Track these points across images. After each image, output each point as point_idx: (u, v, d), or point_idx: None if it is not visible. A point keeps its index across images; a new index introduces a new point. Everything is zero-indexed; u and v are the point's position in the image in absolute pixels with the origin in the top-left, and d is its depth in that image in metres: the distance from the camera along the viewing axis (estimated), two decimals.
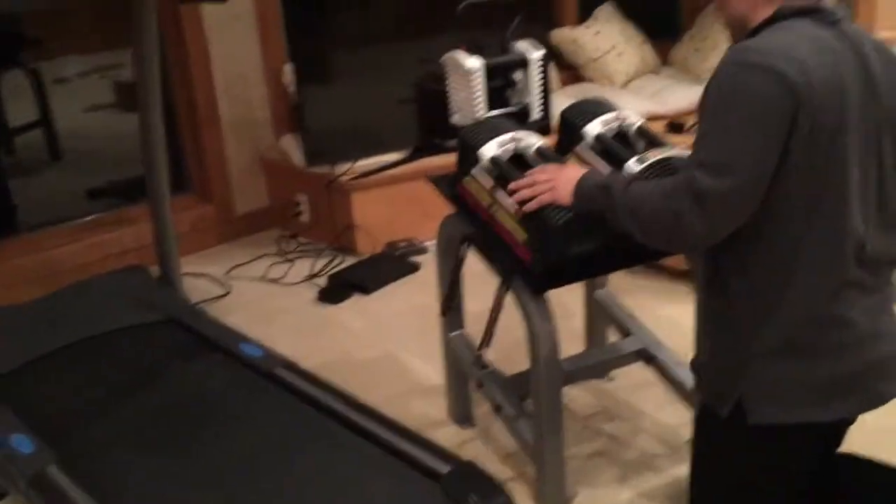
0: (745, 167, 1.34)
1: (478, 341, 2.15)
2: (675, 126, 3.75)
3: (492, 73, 2.13)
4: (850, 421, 1.57)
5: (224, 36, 3.58)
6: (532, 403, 2.00)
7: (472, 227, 2.03)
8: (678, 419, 2.31)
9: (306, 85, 3.46)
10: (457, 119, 2.20)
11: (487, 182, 1.92)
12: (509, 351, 2.28)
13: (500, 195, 1.87)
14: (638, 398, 2.47)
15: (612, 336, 2.51)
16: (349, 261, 3.50)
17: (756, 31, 1.42)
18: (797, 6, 1.40)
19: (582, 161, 1.97)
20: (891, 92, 1.42)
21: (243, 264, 3.54)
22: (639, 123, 1.99)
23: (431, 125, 2.40)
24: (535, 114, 2.21)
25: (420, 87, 2.76)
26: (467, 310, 2.33)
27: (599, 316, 2.51)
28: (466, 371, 2.29)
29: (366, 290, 3.27)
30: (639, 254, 1.80)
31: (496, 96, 2.16)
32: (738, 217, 1.39)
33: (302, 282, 3.39)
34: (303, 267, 3.49)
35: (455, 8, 2.16)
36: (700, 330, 1.63)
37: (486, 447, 2.32)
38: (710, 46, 4.27)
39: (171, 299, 2.76)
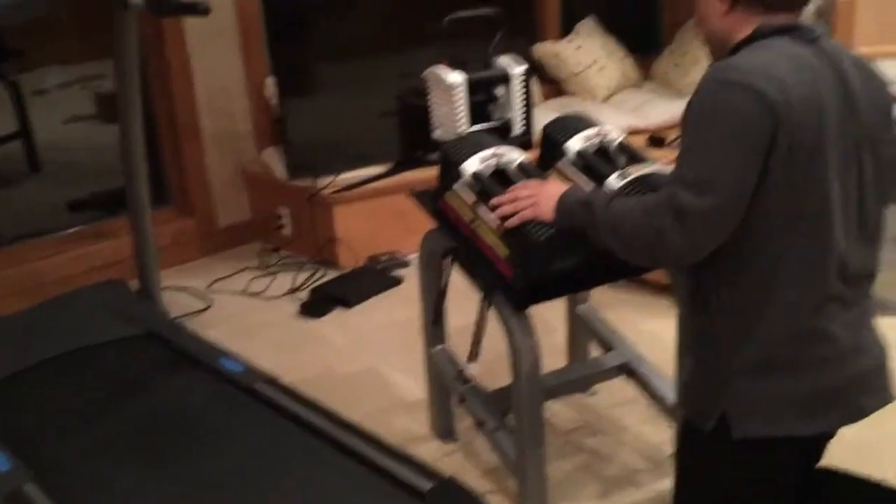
0: (726, 185, 1.35)
1: (461, 356, 2.15)
2: (657, 140, 3.78)
3: (474, 88, 2.14)
4: (831, 435, 1.58)
5: (206, 49, 3.57)
6: (514, 418, 2.00)
7: (453, 242, 2.03)
8: (660, 434, 2.32)
9: (289, 98, 3.45)
10: (439, 134, 2.20)
11: (469, 197, 1.92)
12: (492, 365, 2.28)
13: (482, 210, 1.88)
14: (620, 413, 2.47)
15: (595, 350, 2.51)
16: (331, 274, 3.49)
17: (736, 48, 1.43)
18: (777, 24, 1.42)
19: (563, 177, 1.97)
20: (870, 108, 1.43)
21: (225, 278, 3.52)
22: (620, 139, 2.00)
23: (414, 139, 2.41)
24: (517, 129, 2.22)
25: (402, 101, 2.77)
26: (450, 324, 2.32)
27: (581, 330, 2.51)
28: (449, 386, 2.29)
29: (348, 303, 3.26)
30: (621, 269, 1.80)
31: (478, 111, 2.16)
32: (720, 235, 1.39)
33: (284, 295, 3.37)
34: (285, 280, 3.47)
35: (438, 22, 2.16)
36: (682, 346, 1.64)
37: (468, 462, 2.31)
38: (690, 61, 4.31)
39: (150, 313, 2.74)
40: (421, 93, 2.22)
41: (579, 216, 1.61)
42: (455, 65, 2.15)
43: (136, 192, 2.72)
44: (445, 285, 2.13)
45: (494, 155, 1.94)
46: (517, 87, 2.18)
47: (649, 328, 2.73)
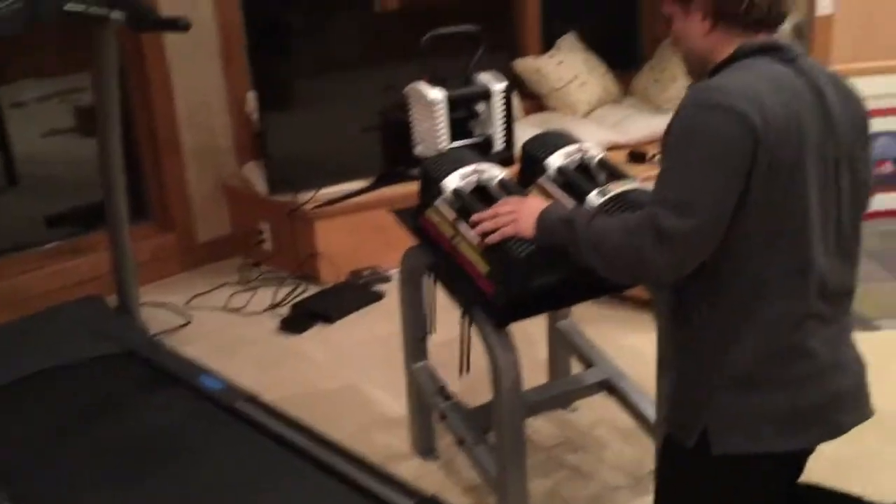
0: (706, 207, 1.35)
1: (442, 372, 2.13)
2: (637, 156, 3.80)
3: (454, 104, 2.14)
4: (810, 450, 1.58)
5: (187, 63, 3.56)
6: (495, 435, 1.99)
7: (434, 258, 2.02)
8: (641, 450, 2.31)
9: (269, 112, 3.44)
10: (420, 150, 2.20)
11: (450, 214, 1.92)
12: (473, 382, 2.27)
13: (463, 227, 1.87)
14: (601, 429, 2.47)
15: (576, 366, 2.51)
16: (312, 289, 3.47)
17: (717, 69, 1.45)
18: (757, 44, 1.43)
19: (544, 193, 1.97)
20: (847, 126, 1.44)
21: (204, 293, 3.50)
22: (600, 156, 2.01)
23: (395, 154, 2.40)
24: (498, 145, 2.22)
25: (384, 116, 2.76)
26: (431, 340, 2.31)
27: (562, 346, 2.51)
28: (430, 402, 2.28)
29: (329, 319, 3.24)
30: (602, 286, 1.80)
31: (459, 127, 2.16)
32: (700, 255, 1.40)
33: (264, 311, 3.35)
34: (265, 296, 3.45)
35: (419, 37, 2.17)
36: (663, 360, 1.64)
37: (449, 479, 2.30)
38: (670, 77, 4.34)
39: (128, 330, 2.71)
40: (402, 108, 2.22)
41: (560, 233, 1.61)
42: (436, 81, 2.15)
43: (114, 207, 2.70)
44: (432, 303, 2.13)
45: (475, 171, 1.94)
46: (498, 103, 2.19)
47: (630, 343, 2.74)
